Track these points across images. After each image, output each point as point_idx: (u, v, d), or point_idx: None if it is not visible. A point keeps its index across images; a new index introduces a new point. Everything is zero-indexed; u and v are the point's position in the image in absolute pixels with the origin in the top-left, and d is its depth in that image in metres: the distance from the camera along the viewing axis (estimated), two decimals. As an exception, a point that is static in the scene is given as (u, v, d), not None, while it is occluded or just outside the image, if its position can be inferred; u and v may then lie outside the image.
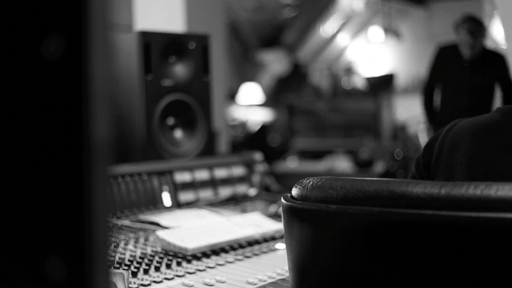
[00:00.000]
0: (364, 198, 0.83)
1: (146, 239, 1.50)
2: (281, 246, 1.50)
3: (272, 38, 8.79)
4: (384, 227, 0.81)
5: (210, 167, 1.97)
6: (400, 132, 7.64)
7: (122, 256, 1.35)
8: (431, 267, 0.78)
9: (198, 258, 1.37)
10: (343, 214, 0.84)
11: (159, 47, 1.95)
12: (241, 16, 8.15)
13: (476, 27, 3.90)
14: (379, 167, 5.72)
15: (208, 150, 2.07)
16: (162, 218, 1.64)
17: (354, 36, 9.28)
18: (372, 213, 0.81)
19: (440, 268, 0.77)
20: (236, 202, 1.92)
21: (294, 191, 0.93)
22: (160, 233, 1.44)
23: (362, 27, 9.01)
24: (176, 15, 3.72)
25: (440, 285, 0.78)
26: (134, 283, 1.18)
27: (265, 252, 1.45)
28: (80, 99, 0.42)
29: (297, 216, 0.91)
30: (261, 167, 2.11)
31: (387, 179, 0.88)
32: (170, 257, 1.36)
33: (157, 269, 1.28)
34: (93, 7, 0.41)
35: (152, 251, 1.40)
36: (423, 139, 5.95)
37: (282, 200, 0.94)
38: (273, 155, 6.54)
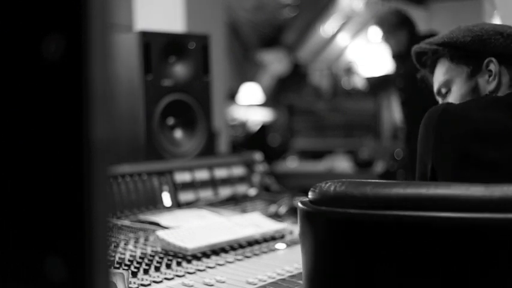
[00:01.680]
0: (393, 202, 0.81)
1: (146, 239, 1.50)
2: (281, 246, 1.50)
3: (272, 38, 8.78)
4: (410, 231, 0.79)
5: (210, 167, 1.97)
6: (400, 132, 7.64)
7: (122, 256, 1.35)
8: (476, 272, 0.77)
9: (198, 258, 1.37)
10: (368, 219, 0.81)
11: (159, 47, 1.95)
12: (241, 16, 8.14)
13: (386, 20, 3.69)
14: (379, 167, 5.71)
15: (208, 150, 2.07)
16: (162, 218, 1.64)
17: (354, 36, 9.27)
18: (399, 217, 0.79)
19: (484, 273, 0.76)
20: (236, 202, 1.92)
21: (312, 195, 0.89)
22: (160, 233, 1.44)
23: (362, 27, 9.00)
24: (176, 15, 3.72)
25: None
26: (134, 283, 1.18)
27: (265, 252, 1.45)
28: (80, 99, 0.42)
29: (314, 221, 0.87)
30: (261, 167, 2.11)
31: (411, 181, 0.85)
32: (170, 257, 1.36)
33: (157, 269, 1.28)
34: (93, 7, 0.41)
35: (152, 251, 1.40)
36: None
37: (299, 204, 0.90)
38: (273, 155, 6.53)
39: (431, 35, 3.96)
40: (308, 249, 0.89)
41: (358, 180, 0.88)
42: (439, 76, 1.33)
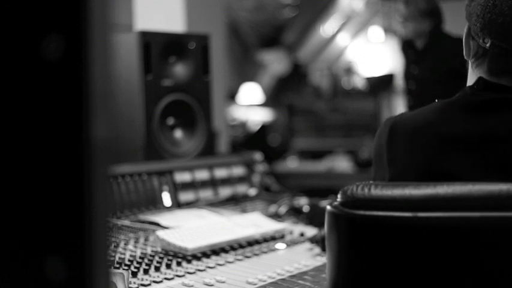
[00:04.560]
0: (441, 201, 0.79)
1: (146, 239, 1.50)
2: (281, 246, 1.50)
3: (272, 38, 8.78)
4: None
5: (210, 167, 1.97)
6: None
7: (122, 256, 1.35)
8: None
9: (198, 258, 1.37)
10: (408, 222, 0.79)
11: (159, 47, 1.95)
12: (241, 16, 8.15)
13: (414, 2, 3.23)
14: (379, 167, 5.71)
15: (208, 150, 2.07)
16: (162, 218, 1.64)
17: (354, 36, 9.27)
18: (436, 219, 0.77)
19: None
20: (236, 202, 1.92)
21: (342, 198, 0.84)
22: (160, 233, 1.44)
23: (362, 27, 9.00)
24: (176, 15, 3.72)
25: None
26: (134, 283, 1.18)
27: (265, 252, 1.45)
28: (80, 99, 0.42)
29: (348, 226, 0.83)
30: (261, 167, 2.11)
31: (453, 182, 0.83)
32: (170, 257, 1.36)
33: (157, 269, 1.28)
34: (93, 7, 0.41)
35: (152, 251, 1.40)
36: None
37: (328, 207, 0.85)
38: (273, 155, 6.53)
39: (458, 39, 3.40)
40: (337, 254, 0.83)
41: (384, 182, 0.84)
42: None
